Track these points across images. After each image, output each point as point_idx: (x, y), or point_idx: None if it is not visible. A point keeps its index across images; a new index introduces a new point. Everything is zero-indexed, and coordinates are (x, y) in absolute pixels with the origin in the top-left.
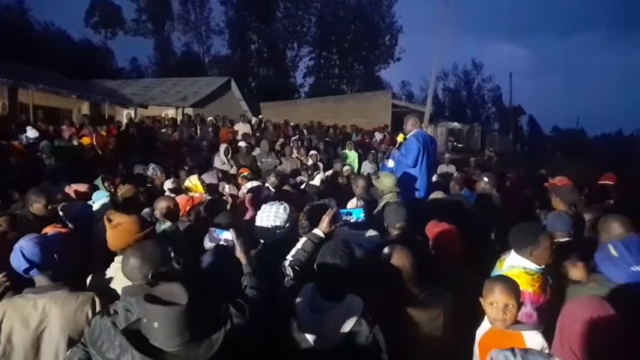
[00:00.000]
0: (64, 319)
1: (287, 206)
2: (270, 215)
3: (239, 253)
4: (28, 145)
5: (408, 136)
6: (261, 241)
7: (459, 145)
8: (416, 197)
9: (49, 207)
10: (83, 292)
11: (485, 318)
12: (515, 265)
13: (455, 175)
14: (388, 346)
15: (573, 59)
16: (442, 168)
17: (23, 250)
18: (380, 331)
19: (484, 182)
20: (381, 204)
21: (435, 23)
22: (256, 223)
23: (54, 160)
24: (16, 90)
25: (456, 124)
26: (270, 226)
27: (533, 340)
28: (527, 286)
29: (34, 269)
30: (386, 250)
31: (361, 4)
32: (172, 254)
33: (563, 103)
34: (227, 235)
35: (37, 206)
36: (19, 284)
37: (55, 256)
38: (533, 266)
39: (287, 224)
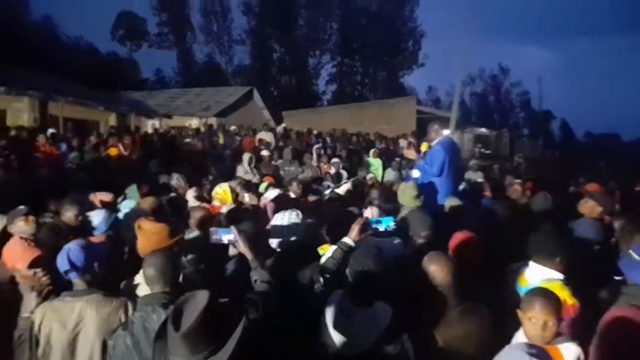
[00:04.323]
0: (98, 322)
1: (299, 213)
2: (285, 216)
3: (243, 249)
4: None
5: (432, 144)
6: (277, 249)
7: (487, 152)
8: (440, 206)
9: (80, 217)
10: (117, 297)
11: (520, 331)
12: (549, 278)
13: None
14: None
15: (605, 62)
16: (469, 175)
17: (70, 253)
18: (409, 339)
19: (517, 189)
20: (404, 212)
21: (460, 27)
22: (271, 223)
23: (82, 171)
24: (47, 103)
25: (483, 129)
26: (284, 224)
27: (571, 352)
28: (570, 300)
29: (75, 272)
30: (425, 258)
31: (383, 10)
32: (197, 262)
33: (595, 108)
34: (230, 236)
35: (68, 215)
36: (58, 287)
37: (96, 264)
38: (560, 276)
39: (300, 228)
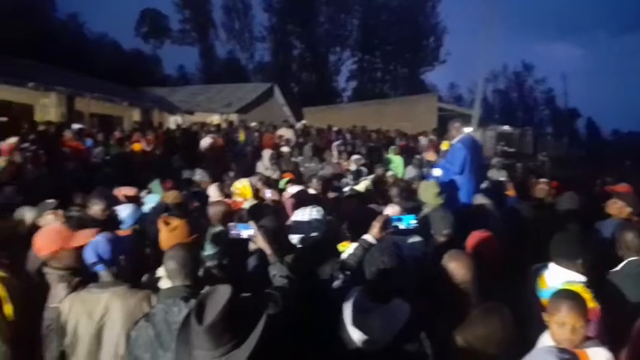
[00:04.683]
0: (123, 314)
1: (320, 209)
2: (305, 212)
3: (261, 244)
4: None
5: (452, 142)
6: (298, 246)
7: (510, 150)
8: (462, 204)
9: (106, 211)
10: (141, 290)
11: (546, 334)
12: (570, 280)
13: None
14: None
15: (633, 58)
16: (492, 173)
17: (97, 246)
18: (427, 337)
19: (544, 188)
20: (426, 210)
21: (482, 23)
22: (292, 219)
23: (107, 166)
24: (73, 99)
25: (506, 127)
26: (304, 220)
27: (601, 357)
28: (592, 303)
29: (101, 265)
30: (445, 255)
31: (404, 6)
32: (220, 256)
33: (623, 105)
34: (249, 231)
35: (95, 209)
36: (85, 279)
37: (122, 257)
38: (582, 278)
39: (321, 224)
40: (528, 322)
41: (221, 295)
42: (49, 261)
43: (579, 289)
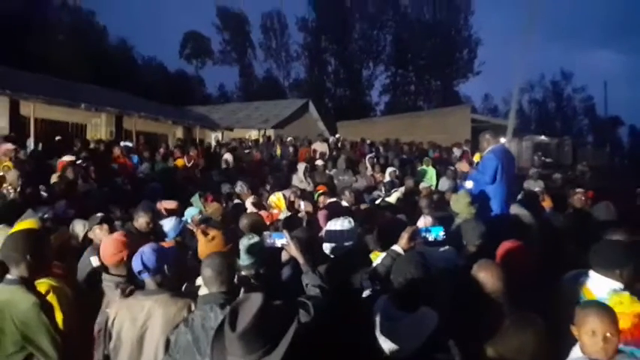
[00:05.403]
0: (164, 320)
1: (352, 219)
2: (338, 223)
3: (295, 252)
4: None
5: (484, 153)
6: (331, 255)
7: (548, 160)
8: (495, 215)
9: (150, 224)
10: (182, 298)
11: (576, 348)
12: (615, 289)
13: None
14: None
15: None
16: (529, 184)
17: (143, 255)
18: (455, 346)
19: (580, 199)
20: (458, 221)
21: (519, 32)
22: (325, 228)
23: (153, 181)
24: (122, 118)
25: (543, 137)
26: (337, 229)
27: None
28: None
29: (147, 273)
30: (475, 265)
31: (437, 19)
32: (258, 265)
33: None
34: (282, 240)
35: (141, 221)
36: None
37: (166, 266)
38: (622, 286)
39: (353, 235)
40: (563, 333)
41: (253, 302)
42: (110, 269)
43: (625, 298)
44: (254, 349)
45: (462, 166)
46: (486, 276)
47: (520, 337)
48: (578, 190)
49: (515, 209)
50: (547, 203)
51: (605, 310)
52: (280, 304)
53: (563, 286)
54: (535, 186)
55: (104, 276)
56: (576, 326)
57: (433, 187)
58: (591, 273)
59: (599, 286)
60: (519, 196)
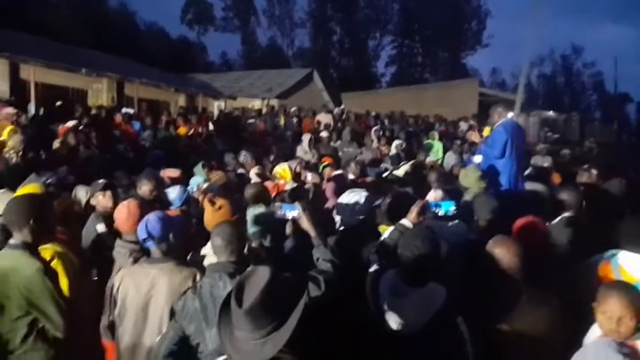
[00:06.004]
0: (169, 289)
1: (365, 192)
2: (351, 196)
3: (306, 226)
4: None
5: (494, 127)
6: (340, 228)
7: (555, 136)
8: (504, 189)
9: (154, 192)
10: (188, 267)
11: (595, 326)
12: None
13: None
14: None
15: None
16: (537, 160)
17: (147, 223)
18: (464, 322)
19: (591, 175)
20: (468, 195)
21: (528, 5)
22: (338, 201)
23: (155, 148)
24: (123, 84)
25: (550, 112)
26: (349, 202)
27: None
28: None
29: (151, 241)
30: (490, 241)
31: None
32: (263, 236)
33: None
34: (294, 212)
35: (144, 189)
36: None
37: (171, 234)
38: None
39: (365, 209)
40: (582, 315)
41: (260, 277)
42: (124, 235)
43: None
44: (262, 325)
45: (473, 136)
46: (502, 252)
47: (534, 315)
48: (585, 166)
49: (530, 185)
50: (556, 179)
51: (626, 292)
52: (288, 277)
53: (591, 265)
54: (543, 162)
55: (117, 242)
56: (596, 302)
57: (439, 162)
58: (620, 254)
59: (636, 265)
60: (527, 172)
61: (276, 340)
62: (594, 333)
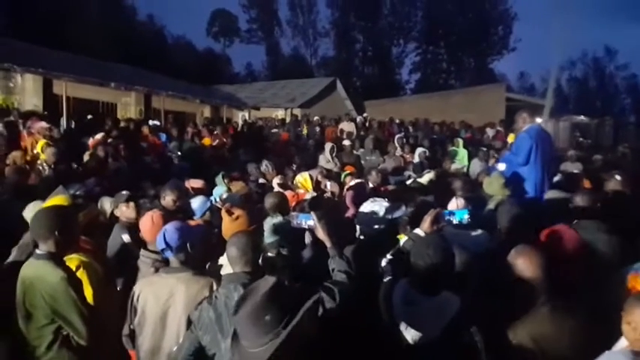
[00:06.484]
0: (187, 298)
1: (386, 202)
2: (372, 205)
3: (322, 236)
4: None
5: (518, 133)
6: (361, 237)
7: (587, 141)
8: (529, 197)
9: (177, 202)
10: (205, 277)
11: (623, 338)
12: None
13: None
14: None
15: None
16: (567, 166)
17: (165, 233)
18: (479, 332)
19: (615, 181)
20: (492, 204)
21: (557, 6)
22: (360, 209)
23: (180, 159)
24: (150, 97)
25: (582, 117)
26: (368, 212)
27: None
28: None
29: (169, 251)
30: (513, 251)
31: None
32: (280, 245)
33: None
34: (309, 221)
35: (168, 199)
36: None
37: (188, 244)
38: None
39: (384, 217)
40: (609, 328)
41: (262, 286)
42: (149, 245)
43: None
44: (261, 334)
45: (497, 143)
46: (525, 262)
47: (558, 327)
48: (615, 171)
49: (553, 194)
50: (586, 186)
51: None
52: (293, 287)
53: (620, 275)
54: (573, 168)
55: (142, 252)
56: (623, 313)
57: (465, 169)
58: None
59: None
60: (556, 178)
61: (269, 348)
62: (621, 344)
